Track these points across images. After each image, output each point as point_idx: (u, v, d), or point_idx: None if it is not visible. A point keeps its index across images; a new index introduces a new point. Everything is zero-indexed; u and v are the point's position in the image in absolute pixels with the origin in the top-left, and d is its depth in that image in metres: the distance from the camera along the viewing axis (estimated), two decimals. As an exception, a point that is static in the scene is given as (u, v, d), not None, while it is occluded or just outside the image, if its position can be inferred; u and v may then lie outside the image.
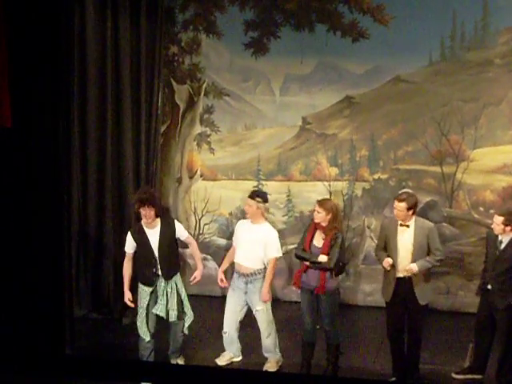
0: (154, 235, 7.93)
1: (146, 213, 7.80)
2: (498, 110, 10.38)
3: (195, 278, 8.17)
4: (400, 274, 7.70)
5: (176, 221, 8.26)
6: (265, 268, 8.15)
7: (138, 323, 8.06)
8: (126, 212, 9.98)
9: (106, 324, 9.67)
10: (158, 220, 7.96)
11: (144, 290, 8.01)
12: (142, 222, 7.99)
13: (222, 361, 8.45)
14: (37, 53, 7.84)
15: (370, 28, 10.45)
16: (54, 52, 7.99)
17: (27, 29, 7.78)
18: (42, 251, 8.08)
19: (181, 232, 8.12)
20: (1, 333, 7.74)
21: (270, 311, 8.20)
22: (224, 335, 8.36)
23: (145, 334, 8.01)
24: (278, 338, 8.29)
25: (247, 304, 8.27)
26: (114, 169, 9.99)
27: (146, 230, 7.95)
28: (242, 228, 8.31)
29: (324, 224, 7.81)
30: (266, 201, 8.16)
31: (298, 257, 7.98)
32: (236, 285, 8.27)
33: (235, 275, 8.26)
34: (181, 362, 8.28)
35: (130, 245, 8.05)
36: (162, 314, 7.97)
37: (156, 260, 7.93)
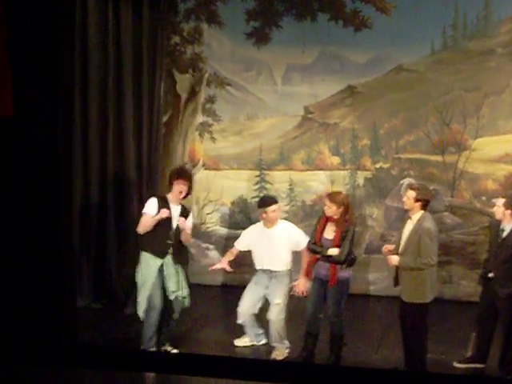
0: (176, 211, 7.97)
1: (180, 186, 7.87)
2: (500, 100, 10.39)
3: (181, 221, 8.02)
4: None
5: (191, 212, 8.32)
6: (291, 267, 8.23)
7: (141, 303, 8.00)
8: (128, 201, 9.99)
9: (108, 314, 9.67)
10: (181, 202, 8.04)
11: (151, 266, 7.94)
12: (168, 195, 8.02)
13: (240, 342, 8.50)
14: (38, 43, 7.83)
15: (372, 17, 10.47)
16: (55, 42, 7.98)
17: (28, 19, 7.77)
18: (45, 241, 8.08)
19: (189, 218, 8.13)
20: (1, 323, 7.76)
21: (285, 308, 8.17)
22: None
23: (144, 312, 7.97)
24: (287, 327, 8.27)
25: (264, 298, 8.27)
26: (115, 158, 9.99)
27: (170, 204, 7.98)
28: (258, 235, 8.21)
29: (336, 217, 7.74)
30: (277, 201, 8.29)
31: (309, 249, 7.95)
32: (258, 279, 8.28)
33: (260, 271, 8.27)
34: (169, 348, 8.26)
35: (153, 208, 7.96)
36: (178, 293, 7.95)
37: (173, 233, 7.95)
